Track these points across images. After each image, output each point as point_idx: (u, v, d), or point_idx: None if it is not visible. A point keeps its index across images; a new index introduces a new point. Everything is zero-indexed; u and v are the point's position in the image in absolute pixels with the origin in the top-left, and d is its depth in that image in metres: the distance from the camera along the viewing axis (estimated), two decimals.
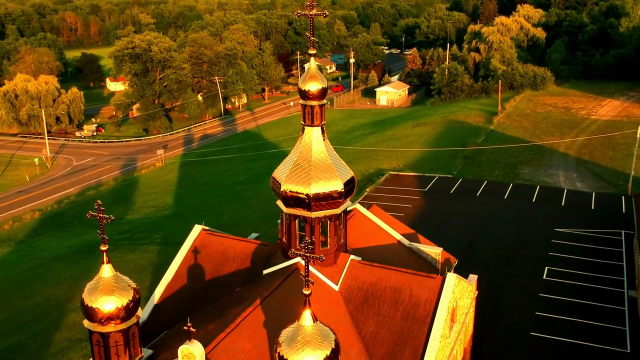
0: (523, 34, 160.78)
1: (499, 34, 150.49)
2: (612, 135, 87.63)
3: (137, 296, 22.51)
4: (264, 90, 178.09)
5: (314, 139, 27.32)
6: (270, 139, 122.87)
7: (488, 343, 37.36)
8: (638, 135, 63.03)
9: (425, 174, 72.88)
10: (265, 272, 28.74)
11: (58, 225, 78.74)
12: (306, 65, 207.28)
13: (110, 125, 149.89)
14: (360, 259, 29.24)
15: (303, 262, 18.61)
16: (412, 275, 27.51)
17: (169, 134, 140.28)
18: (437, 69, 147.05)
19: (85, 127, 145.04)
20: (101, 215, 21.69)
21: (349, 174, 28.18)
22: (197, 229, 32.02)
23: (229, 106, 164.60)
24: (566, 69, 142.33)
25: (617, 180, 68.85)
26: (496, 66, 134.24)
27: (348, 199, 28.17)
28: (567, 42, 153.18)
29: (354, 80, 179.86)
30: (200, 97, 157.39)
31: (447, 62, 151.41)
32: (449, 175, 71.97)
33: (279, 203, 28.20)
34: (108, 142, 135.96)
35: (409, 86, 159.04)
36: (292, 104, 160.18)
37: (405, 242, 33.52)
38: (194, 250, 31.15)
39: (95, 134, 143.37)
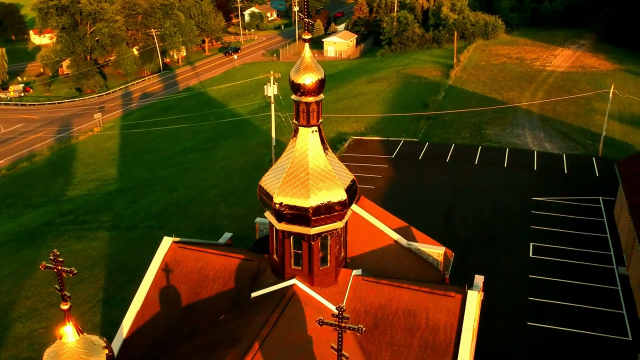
0: None
1: None
2: (572, 89, 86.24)
3: (111, 354, 18.14)
4: (204, 41, 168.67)
5: (310, 142, 22.85)
6: (216, 97, 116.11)
7: (485, 339, 34.60)
8: (610, 95, 61.05)
9: (390, 138, 69.27)
10: (253, 294, 24.58)
11: None
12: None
13: (39, 85, 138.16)
14: (361, 271, 25.47)
15: (336, 332, 14.60)
16: (427, 294, 23.95)
17: (105, 94, 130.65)
18: (386, 18, 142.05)
19: (10, 87, 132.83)
20: (60, 267, 16.72)
21: (349, 177, 24.00)
22: (166, 241, 27.23)
23: (168, 60, 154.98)
24: (515, 16, 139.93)
25: (585, 139, 67.32)
26: (447, 15, 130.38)
27: (351, 207, 24.07)
28: None
29: (298, 29, 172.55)
30: (136, 52, 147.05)
31: (395, 11, 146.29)
32: (415, 139, 68.64)
33: (269, 216, 23.79)
34: (38, 104, 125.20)
35: (356, 36, 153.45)
36: (235, 57, 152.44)
37: (404, 242, 29.85)
38: (165, 269, 26.47)
39: (22, 95, 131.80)
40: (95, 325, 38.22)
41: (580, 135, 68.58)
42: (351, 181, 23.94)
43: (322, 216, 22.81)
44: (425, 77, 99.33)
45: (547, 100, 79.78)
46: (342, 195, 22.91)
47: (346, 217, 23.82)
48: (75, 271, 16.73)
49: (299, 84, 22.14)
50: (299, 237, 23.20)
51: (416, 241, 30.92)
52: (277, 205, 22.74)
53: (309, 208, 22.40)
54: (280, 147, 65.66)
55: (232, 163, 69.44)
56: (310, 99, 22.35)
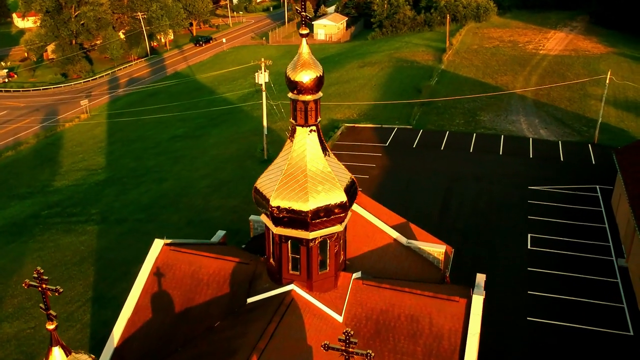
0: None
1: None
2: (566, 73, 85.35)
3: None
4: (191, 25, 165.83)
5: (308, 142, 21.74)
6: (205, 83, 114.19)
7: (485, 335, 33.92)
8: (607, 82, 60.15)
9: (383, 125, 68.16)
10: (249, 300, 23.60)
11: None
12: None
13: (24, 70, 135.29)
14: (361, 274, 24.56)
15: (343, 357, 13.67)
16: (430, 298, 23.08)
17: (91, 79, 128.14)
18: (376, 0, 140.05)
19: None
20: (45, 286, 15.59)
21: (347, 177, 22.93)
22: (157, 244, 26.10)
23: (155, 44, 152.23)
24: None
25: (580, 125, 66.55)
26: None
27: (351, 208, 23.04)
28: None
29: (288, 11, 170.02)
30: (122, 36, 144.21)
31: None
32: (409, 126, 67.56)
33: (265, 219, 22.73)
34: (23, 90, 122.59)
35: (347, 18, 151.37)
36: (224, 40, 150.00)
37: (403, 240, 28.93)
38: (157, 273, 25.39)
39: (6, 80, 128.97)
40: (84, 325, 37.18)
41: (576, 121, 67.81)
42: (350, 182, 22.88)
43: (321, 220, 21.79)
44: (418, 61, 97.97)
45: (542, 87, 78.80)
46: (342, 198, 21.87)
47: (346, 220, 22.81)
48: (62, 290, 15.61)
49: (296, 81, 20.95)
50: (297, 241, 22.19)
51: (415, 238, 30.02)
52: (273, 209, 21.67)
53: (307, 212, 21.35)
54: (272, 135, 64.52)
55: (222, 152, 68.08)
56: (308, 97, 21.18)
